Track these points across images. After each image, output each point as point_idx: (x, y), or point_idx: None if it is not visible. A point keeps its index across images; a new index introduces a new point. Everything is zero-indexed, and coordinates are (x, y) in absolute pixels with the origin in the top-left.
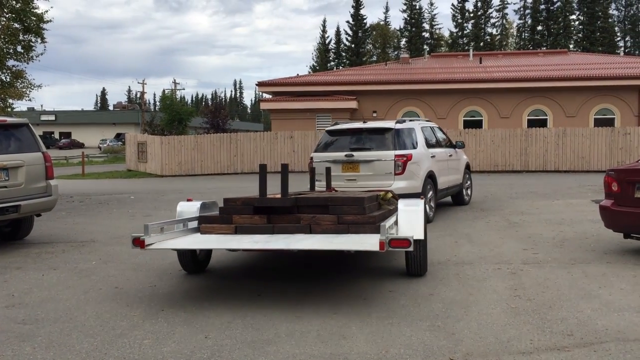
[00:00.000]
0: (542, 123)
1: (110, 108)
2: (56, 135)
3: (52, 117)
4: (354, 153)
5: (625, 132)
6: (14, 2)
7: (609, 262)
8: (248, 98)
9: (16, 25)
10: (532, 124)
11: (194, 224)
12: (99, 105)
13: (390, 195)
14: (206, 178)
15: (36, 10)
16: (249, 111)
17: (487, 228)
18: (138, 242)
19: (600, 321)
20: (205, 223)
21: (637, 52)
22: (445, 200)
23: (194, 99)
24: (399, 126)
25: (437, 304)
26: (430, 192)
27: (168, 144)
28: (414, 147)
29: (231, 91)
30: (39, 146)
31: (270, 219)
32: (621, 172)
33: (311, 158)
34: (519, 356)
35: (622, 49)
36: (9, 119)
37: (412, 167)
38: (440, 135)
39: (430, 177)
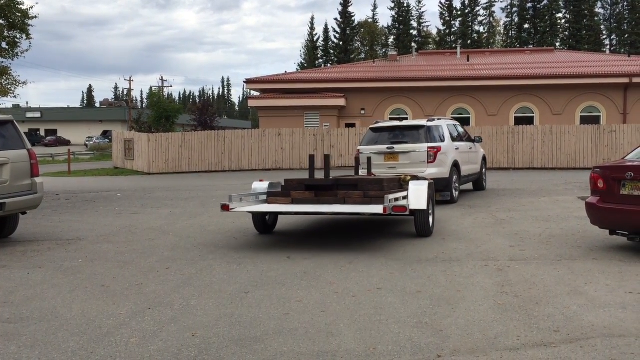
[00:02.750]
0: (529, 121)
1: (97, 105)
2: (42, 133)
3: (38, 114)
4: (395, 146)
5: (611, 129)
6: None
7: (595, 258)
8: (236, 95)
9: (1, 21)
10: (519, 121)
11: (264, 197)
12: (85, 102)
13: (409, 178)
14: (194, 176)
15: (21, 7)
16: (237, 108)
17: (475, 225)
18: (225, 207)
19: (587, 317)
20: (271, 197)
21: (622, 50)
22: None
23: (181, 96)
24: (429, 124)
25: (425, 300)
26: (455, 177)
27: (155, 142)
28: (442, 141)
29: (219, 88)
30: (24, 143)
31: (317, 194)
32: (607, 169)
33: (358, 150)
34: (507, 352)
35: (608, 47)
36: None
37: (441, 157)
38: (461, 131)
39: (455, 166)
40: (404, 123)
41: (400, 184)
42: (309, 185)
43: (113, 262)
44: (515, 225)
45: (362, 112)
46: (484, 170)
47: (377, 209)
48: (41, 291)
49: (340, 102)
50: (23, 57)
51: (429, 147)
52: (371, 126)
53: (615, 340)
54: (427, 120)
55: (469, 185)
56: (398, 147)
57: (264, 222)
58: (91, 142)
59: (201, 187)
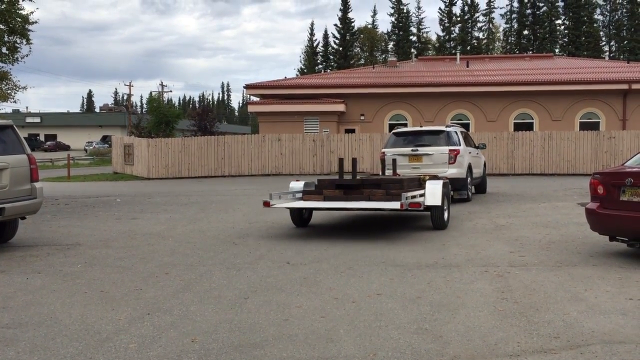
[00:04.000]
0: (529, 127)
1: (97, 110)
2: (41, 138)
3: (38, 119)
4: (418, 148)
5: (610, 135)
6: None
7: (595, 264)
8: (236, 101)
9: (1, 26)
10: (518, 127)
11: (299, 195)
12: (85, 107)
13: (428, 177)
14: (193, 181)
15: (21, 12)
16: (236, 114)
17: (474, 231)
18: (266, 204)
19: (587, 323)
20: (306, 194)
21: (621, 56)
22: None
23: (181, 101)
24: (448, 129)
25: (425, 306)
26: (469, 178)
27: (155, 147)
28: (459, 145)
29: (219, 94)
30: (23, 148)
31: (345, 192)
32: (606, 175)
33: (383, 152)
34: (507, 359)
35: (607, 53)
36: None
37: (460, 159)
38: (469, 138)
39: (469, 167)
40: (425, 128)
41: (420, 183)
42: (338, 184)
43: (112, 267)
44: (515, 231)
45: (362, 117)
46: (485, 174)
47: (396, 205)
48: (40, 296)
49: (340, 107)
50: (23, 62)
51: (449, 150)
52: (394, 131)
53: (616, 347)
54: (446, 126)
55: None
56: (422, 150)
57: (300, 217)
58: (91, 147)
59: (201, 192)
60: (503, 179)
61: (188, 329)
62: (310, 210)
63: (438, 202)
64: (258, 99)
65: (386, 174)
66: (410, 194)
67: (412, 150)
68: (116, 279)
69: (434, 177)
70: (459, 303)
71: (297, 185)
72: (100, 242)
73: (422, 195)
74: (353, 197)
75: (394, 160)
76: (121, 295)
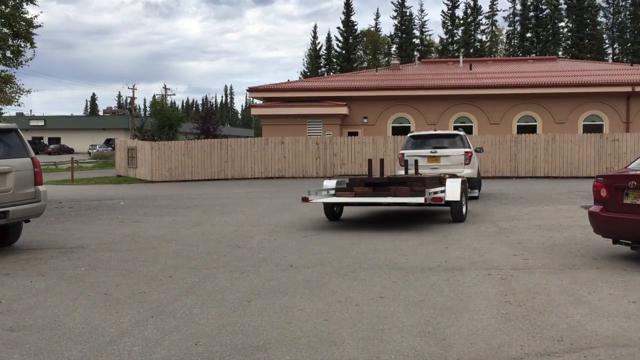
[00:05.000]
0: (532, 129)
1: (100, 113)
2: (45, 141)
3: (42, 123)
4: (437, 150)
5: (614, 138)
6: (3, 6)
7: (598, 267)
8: (239, 104)
9: (5, 30)
10: (521, 130)
11: (332, 192)
12: (88, 110)
13: (447, 176)
14: (197, 184)
15: (25, 15)
16: (239, 117)
17: (477, 234)
18: (305, 199)
19: (590, 326)
20: (339, 191)
21: (625, 59)
22: (438, 209)
23: (184, 104)
24: (461, 133)
25: (428, 309)
26: (479, 178)
27: (158, 150)
28: (470, 147)
29: (222, 97)
30: (27, 151)
31: (374, 190)
32: (610, 178)
33: (402, 154)
34: None
35: (611, 56)
36: None
37: (473, 160)
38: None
39: (478, 168)
40: (440, 132)
41: (440, 181)
42: (368, 182)
43: (116, 270)
44: (518, 234)
45: (365, 120)
46: (480, 176)
47: (420, 199)
48: (44, 299)
49: (343, 110)
50: (27, 65)
51: (465, 152)
52: (411, 134)
53: (619, 350)
54: (459, 131)
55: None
56: (440, 152)
57: (332, 211)
58: (94, 150)
59: (204, 195)
60: (506, 182)
61: (191, 331)
62: (341, 206)
63: (457, 198)
64: (261, 102)
65: (398, 173)
66: (432, 190)
67: (431, 152)
68: (120, 282)
69: (453, 176)
70: (462, 306)
71: (330, 183)
72: (103, 245)
73: (443, 191)
74: (381, 194)
75: (416, 161)
76: (125, 298)
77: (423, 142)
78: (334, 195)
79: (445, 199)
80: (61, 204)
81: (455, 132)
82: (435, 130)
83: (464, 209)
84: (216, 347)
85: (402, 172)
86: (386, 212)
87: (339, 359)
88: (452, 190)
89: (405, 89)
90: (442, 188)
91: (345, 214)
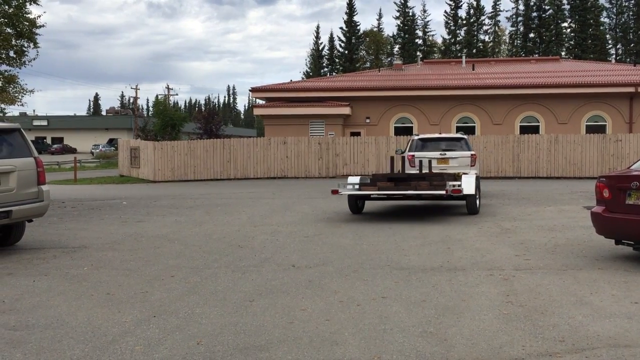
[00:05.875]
0: (535, 130)
1: (103, 113)
2: (48, 141)
3: (45, 122)
4: (447, 152)
5: (617, 139)
6: (7, 6)
7: (601, 268)
8: (241, 104)
9: (8, 30)
10: (524, 130)
11: (357, 186)
12: (91, 110)
13: (461, 174)
14: (199, 184)
15: (29, 15)
16: (242, 117)
17: (480, 234)
18: (334, 192)
19: (592, 327)
20: (363, 186)
21: (628, 59)
22: (439, 206)
23: (187, 104)
24: (465, 137)
25: (430, 310)
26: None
27: (161, 150)
28: (472, 150)
29: (224, 97)
30: (31, 151)
31: (396, 184)
32: (612, 178)
33: (412, 155)
34: None
35: (614, 56)
36: (1, 124)
37: (477, 162)
38: None
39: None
40: (445, 135)
41: (455, 177)
42: (390, 177)
43: (118, 269)
44: (521, 234)
45: (367, 120)
46: None
47: (441, 192)
48: (47, 299)
49: (345, 110)
50: (30, 65)
51: (471, 154)
52: (419, 137)
53: (621, 351)
54: (462, 134)
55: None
56: (449, 154)
57: (356, 205)
58: (97, 150)
59: (206, 195)
60: (509, 182)
61: (193, 331)
62: (363, 201)
63: (472, 191)
64: (264, 102)
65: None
66: (451, 183)
67: (441, 154)
68: (122, 282)
69: (466, 174)
70: (464, 306)
71: (355, 179)
72: (106, 245)
73: (459, 186)
74: (402, 188)
75: (430, 161)
76: (127, 298)
77: (431, 144)
78: (359, 190)
79: (462, 192)
80: (64, 203)
81: (459, 135)
82: (440, 133)
83: (477, 202)
84: (218, 347)
85: (415, 172)
86: (387, 213)
87: (341, 359)
88: (468, 185)
89: (408, 89)
90: (458, 182)
91: (346, 214)
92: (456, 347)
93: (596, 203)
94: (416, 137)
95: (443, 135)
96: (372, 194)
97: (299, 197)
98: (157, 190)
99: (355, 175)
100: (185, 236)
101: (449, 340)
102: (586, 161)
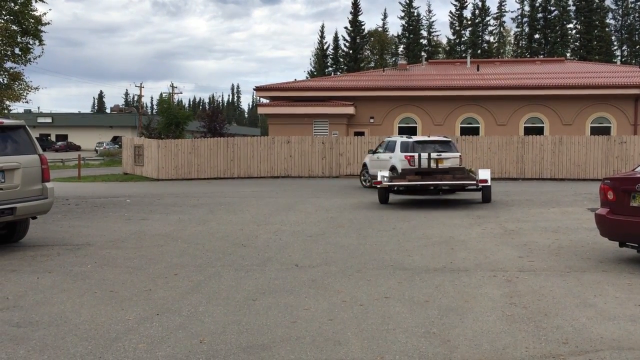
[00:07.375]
0: (539, 131)
1: (108, 111)
2: (53, 138)
3: (49, 120)
4: (441, 153)
5: (622, 140)
6: (12, 4)
7: (605, 270)
8: (245, 102)
9: (14, 27)
10: (528, 131)
11: (387, 179)
12: (96, 108)
13: (474, 169)
14: (202, 182)
15: (34, 13)
16: (246, 116)
17: (483, 235)
18: (377, 183)
19: (596, 329)
20: (394, 179)
21: (633, 61)
22: (442, 207)
23: (191, 102)
24: (451, 139)
25: (433, 310)
26: None
27: (165, 148)
28: (459, 152)
29: (229, 95)
30: (35, 148)
31: (423, 177)
32: (617, 180)
33: (412, 156)
34: None
35: (619, 57)
36: (6, 121)
37: (462, 161)
38: None
39: None
40: (434, 138)
41: (470, 171)
42: (417, 172)
43: (122, 267)
44: (524, 236)
45: (371, 120)
46: None
47: (472, 183)
48: (50, 296)
49: (350, 110)
50: (35, 62)
51: (459, 155)
52: (414, 139)
53: (625, 353)
54: (448, 138)
55: (478, 195)
56: (444, 155)
57: (385, 197)
58: (101, 148)
59: (210, 193)
60: (513, 183)
61: (196, 329)
62: (388, 193)
63: (489, 183)
64: (268, 101)
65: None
66: (473, 175)
67: (438, 154)
68: (126, 280)
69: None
70: (467, 307)
71: (385, 172)
72: (110, 243)
73: (484, 177)
74: (429, 180)
75: (429, 159)
76: (130, 296)
77: (425, 146)
78: (389, 182)
79: (488, 183)
80: (68, 201)
81: (446, 138)
82: (429, 136)
83: (491, 192)
84: (221, 346)
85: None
86: (391, 213)
87: (344, 359)
88: (486, 177)
89: (412, 89)
90: (482, 176)
91: (348, 213)
92: (459, 348)
93: (600, 205)
94: (411, 140)
95: (433, 138)
96: (403, 184)
97: (302, 197)
98: (160, 188)
99: (384, 170)
100: (189, 234)
101: (451, 341)
102: (590, 163)
